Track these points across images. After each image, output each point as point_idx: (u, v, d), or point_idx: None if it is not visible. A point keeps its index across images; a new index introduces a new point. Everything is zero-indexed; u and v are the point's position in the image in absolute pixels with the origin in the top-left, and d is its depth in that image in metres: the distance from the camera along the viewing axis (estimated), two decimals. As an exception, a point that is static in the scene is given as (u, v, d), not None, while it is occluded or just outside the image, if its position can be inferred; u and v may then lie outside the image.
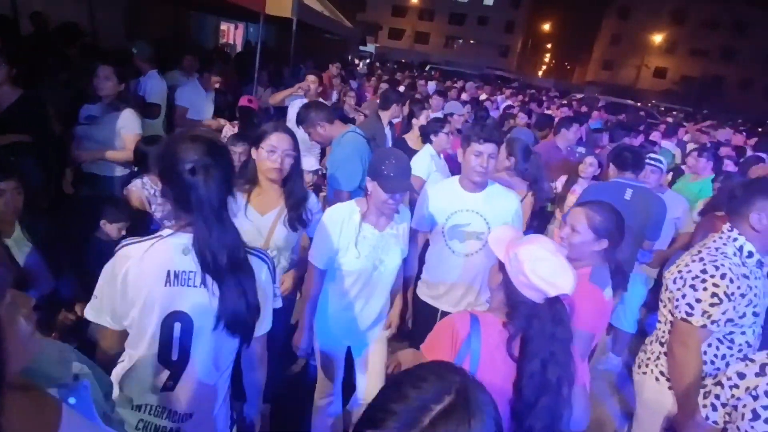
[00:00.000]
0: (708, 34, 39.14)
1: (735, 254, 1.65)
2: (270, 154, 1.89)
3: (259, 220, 1.95)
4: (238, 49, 12.18)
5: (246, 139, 2.78)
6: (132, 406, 1.22)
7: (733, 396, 1.21)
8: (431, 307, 2.29)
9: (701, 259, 1.66)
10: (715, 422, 1.29)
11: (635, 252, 2.81)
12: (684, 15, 39.43)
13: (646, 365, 1.90)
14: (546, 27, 48.72)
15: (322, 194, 3.26)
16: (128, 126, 2.94)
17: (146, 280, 1.13)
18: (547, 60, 56.47)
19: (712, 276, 1.59)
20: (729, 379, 1.23)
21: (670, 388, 1.76)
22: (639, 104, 19.45)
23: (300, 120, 2.77)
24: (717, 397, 1.26)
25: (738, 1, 37.21)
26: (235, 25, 14.66)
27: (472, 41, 43.28)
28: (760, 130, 15.87)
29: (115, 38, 6.40)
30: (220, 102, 5.54)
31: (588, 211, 1.75)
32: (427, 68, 21.34)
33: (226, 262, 1.11)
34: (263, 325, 1.29)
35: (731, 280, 1.58)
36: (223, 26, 14.27)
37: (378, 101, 4.25)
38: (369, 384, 2.07)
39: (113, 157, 2.93)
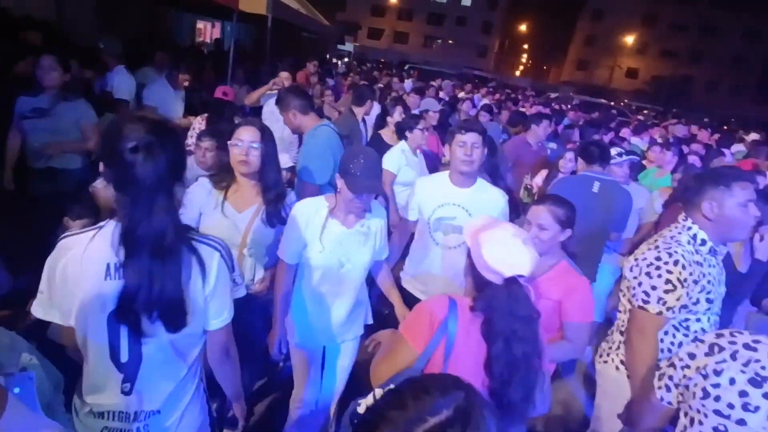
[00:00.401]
0: (677, 36, 40.46)
1: (689, 242, 1.70)
2: (235, 147, 1.88)
3: (236, 216, 1.93)
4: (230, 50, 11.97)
5: (214, 134, 2.75)
6: (93, 414, 1.16)
7: (685, 376, 1.24)
8: (416, 299, 2.28)
9: (656, 248, 1.70)
10: (669, 403, 1.33)
11: (603, 243, 2.88)
12: (654, 17, 40.64)
13: (608, 354, 1.93)
14: (522, 28, 49.52)
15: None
16: (87, 116, 2.87)
17: (86, 274, 1.07)
18: (524, 60, 57.37)
19: (666, 263, 1.64)
20: (681, 360, 1.27)
21: (629, 376, 1.79)
22: (612, 103, 19.96)
23: (278, 100, 2.75)
24: (670, 378, 1.30)
25: (705, 5, 38.56)
26: (212, 23, 14.48)
27: (450, 41, 43.64)
28: (725, 127, 16.56)
29: (86, 35, 6.23)
30: (193, 100, 5.46)
31: (549, 207, 1.86)
32: (406, 67, 21.42)
33: (148, 246, 1.04)
34: (223, 315, 1.23)
35: (684, 267, 1.62)
36: (200, 25, 14.07)
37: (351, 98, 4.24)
38: (338, 382, 2.10)
39: (77, 149, 2.86)
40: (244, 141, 1.87)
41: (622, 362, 1.85)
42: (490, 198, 2.27)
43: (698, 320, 1.72)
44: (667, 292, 1.63)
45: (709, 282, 1.70)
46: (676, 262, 1.63)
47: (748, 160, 7.05)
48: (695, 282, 1.66)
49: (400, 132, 3.53)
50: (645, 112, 20.08)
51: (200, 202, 1.91)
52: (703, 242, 1.70)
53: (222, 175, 1.97)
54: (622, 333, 1.87)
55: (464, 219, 2.21)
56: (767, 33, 38.07)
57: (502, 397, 1.22)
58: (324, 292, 1.91)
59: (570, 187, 2.84)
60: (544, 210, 1.85)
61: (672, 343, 1.75)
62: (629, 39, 39.66)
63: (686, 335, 1.74)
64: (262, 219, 1.94)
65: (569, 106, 11.75)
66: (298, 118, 2.68)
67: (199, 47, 11.52)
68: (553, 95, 17.73)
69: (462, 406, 0.65)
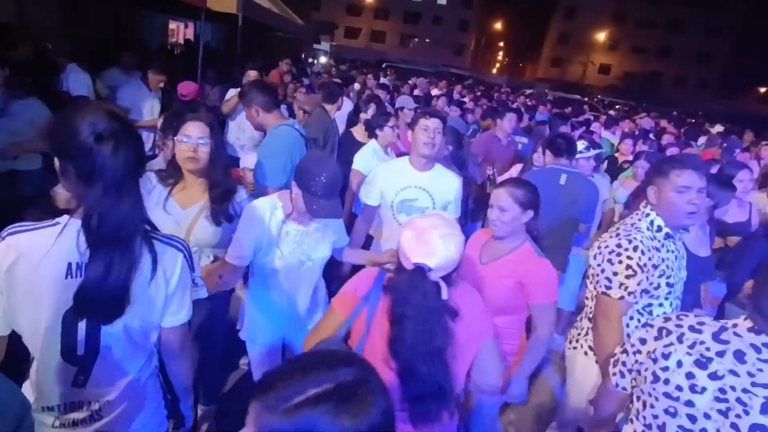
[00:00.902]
0: (646, 33, 41.63)
1: (648, 228, 1.77)
2: (183, 143, 1.83)
3: (179, 213, 1.86)
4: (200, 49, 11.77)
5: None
6: (44, 408, 1.15)
7: (637, 361, 1.28)
8: None
9: (617, 235, 1.76)
10: (624, 388, 1.37)
11: (571, 234, 2.96)
12: (624, 15, 41.68)
13: (576, 340, 1.99)
14: (498, 26, 50.06)
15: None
16: (41, 114, 2.81)
17: (42, 273, 1.04)
18: (500, 58, 58.00)
19: (626, 249, 1.70)
20: (632, 345, 1.30)
21: (597, 362, 1.84)
22: (585, 99, 20.39)
23: (241, 95, 2.69)
24: (624, 364, 1.34)
25: (671, 2, 39.76)
26: (185, 24, 14.21)
27: (427, 40, 43.84)
28: (693, 121, 17.18)
29: (49, 37, 6.04)
30: (166, 101, 5.37)
31: (508, 188, 1.91)
32: (383, 66, 21.44)
33: (114, 239, 1.03)
34: (181, 314, 1.24)
35: (642, 252, 1.68)
36: (173, 25, 13.79)
37: (320, 96, 4.23)
38: None
39: (39, 148, 2.79)
40: (192, 137, 1.82)
41: (590, 347, 1.91)
42: (447, 180, 2.46)
43: (660, 305, 1.79)
44: (628, 277, 1.68)
45: (668, 267, 1.76)
46: (635, 248, 1.69)
47: (708, 150, 7.34)
48: (654, 267, 1.71)
49: (370, 130, 3.53)
50: (617, 107, 20.57)
51: (144, 199, 1.86)
52: (659, 228, 1.76)
53: (170, 171, 1.90)
54: (590, 319, 1.93)
55: (426, 200, 2.39)
56: (729, 30, 39.53)
57: (406, 385, 1.22)
58: (283, 289, 1.91)
59: (538, 179, 2.87)
60: (504, 192, 1.90)
61: (637, 328, 1.79)
62: (601, 36, 40.63)
63: (649, 320, 1.80)
64: (206, 216, 1.88)
65: (545, 101, 11.96)
66: (260, 115, 2.61)
67: (171, 48, 11.30)
68: (528, 92, 18.01)
69: (346, 383, 0.64)
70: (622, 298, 1.71)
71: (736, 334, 1.11)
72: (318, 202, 1.66)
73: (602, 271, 1.75)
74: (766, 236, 2.65)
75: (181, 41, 13.60)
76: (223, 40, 12.33)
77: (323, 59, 21.59)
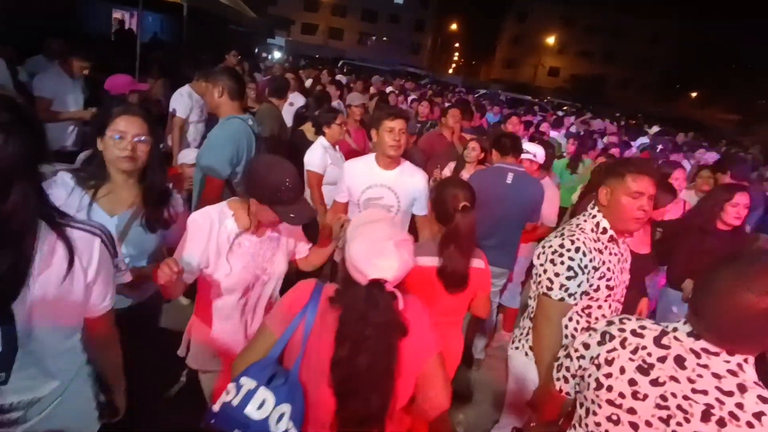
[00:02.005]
0: (592, 38, 43.82)
1: (592, 230, 1.75)
2: (118, 141, 1.61)
3: (107, 222, 1.64)
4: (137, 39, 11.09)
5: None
6: None
7: (580, 367, 1.24)
8: None
9: (562, 235, 1.74)
10: (567, 393, 1.34)
11: (518, 233, 2.95)
12: (572, 20, 43.64)
13: (519, 340, 1.97)
14: (453, 27, 50.94)
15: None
16: None
17: None
18: (456, 58, 59.09)
19: (569, 250, 1.67)
20: (576, 350, 1.27)
21: (537, 362, 1.81)
22: (536, 100, 21.09)
23: (212, 73, 2.59)
24: (567, 369, 1.30)
25: (615, 9, 42.05)
26: (131, 13, 13.43)
27: (384, 38, 43.91)
28: (633, 122, 18.19)
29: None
30: (100, 93, 4.96)
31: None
32: (340, 64, 21.22)
33: (8, 234, 0.95)
34: (105, 302, 1.19)
35: (584, 254, 1.66)
36: (117, 14, 12.96)
37: (267, 91, 4.04)
38: None
39: None
40: (129, 133, 1.62)
41: (530, 348, 1.88)
42: (414, 179, 2.48)
43: (599, 307, 1.77)
44: (569, 278, 1.66)
45: (608, 269, 1.74)
46: (577, 249, 1.66)
47: (648, 151, 7.73)
48: (595, 269, 1.70)
49: (318, 127, 3.40)
50: (565, 108, 21.42)
51: (58, 203, 1.63)
52: (605, 230, 1.75)
53: (90, 171, 1.68)
54: (531, 319, 1.90)
55: (391, 198, 2.42)
56: (667, 37, 42.32)
57: (345, 407, 1.15)
58: (235, 309, 1.73)
59: (484, 178, 2.88)
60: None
61: (575, 329, 1.79)
62: (550, 40, 42.26)
63: (588, 322, 1.78)
64: (141, 223, 1.70)
65: (498, 102, 12.24)
66: (223, 98, 2.51)
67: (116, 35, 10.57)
68: (481, 91, 18.40)
69: None
70: (562, 299, 1.69)
71: (676, 338, 1.09)
72: (292, 210, 1.56)
73: (545, 271, 1.72)
74: (696, 230, 2.77)
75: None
76: (171, 32, 11.70)
77: (278, 55, 21.03)
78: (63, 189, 1.63)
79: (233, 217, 1.65)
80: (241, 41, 12.89)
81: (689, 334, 1.07)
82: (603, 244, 1.74)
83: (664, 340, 1.09)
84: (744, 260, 0.99)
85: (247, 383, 1.17)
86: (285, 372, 1.21)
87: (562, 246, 1.69)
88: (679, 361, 1.06)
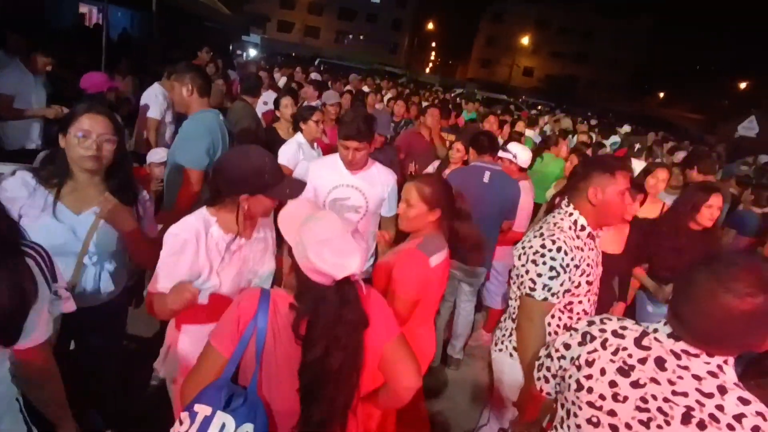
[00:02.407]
0: (564, 39, 44.77)
1: (570, 228, 1.75)
2: (82, 140, 1.56)
3: (73, 220, 1.61)
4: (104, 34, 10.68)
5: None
6: None
7: (561, 368, 1.23)
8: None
9: (541, 235, 1.73)
10: (548, 393, 1.33)
11: (496, 231, 2.95)
12: (545, 21, 44.48)
13: (502, 342, 1.95)
14: (430, 26, 51.19)
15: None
16: None
17: None
18: (433, 58, 59.41)
19: (550, 250, 1.66)
20: (557, 350, 1.25)
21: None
22: (512, 99, 21.39)
23: (177, 71, 2.50)
24: (548, 369, 1.29)
25: (585, 11, 43.08)
26: (98, 7, 12.96)
27: (361, 37, 43.76)
28: (606, 121, 18.68)
29: None
30: (64, 90, 4.75)
31: (417, 185, 1.84)
32: (316, 62, 21.01)
33: None
34: (35, 332, 1.06)
35: (566, 253, 1.66)
36: (84, 8, 12.48)
37: (240, 89, 3.93)
38: None
39: None
40: (95, 133, 1.57)
41: (515, 348, 1.87)
42: (382, 177, 2.42)
43: (580, 302, 1.79)
44: (551, 278, 1.66)
45: (588, 265, 1.76)
46: (559, 249, 1.66)
47: (623, 149, 7.93)
48: (576, 267, 1.70)
49: (295, 123, 3.34)
50: (539, 107, 21.78)
51: (20, 203, 1.54)
52: (583, 228, 1.75)
53: (52, 169, 1.61)
54: (513, 320, 1.89)
55: (358, 199, 2.36)
56: (636, 38, 43.60)
57: (307, 407, 1.13)
58: None
59: (462, 177, 2.86)
60: (412, 187, 1.85)
61: (558, 326, 1.80)
62: (525, 40, 42.93)
63: (570, 318, 1.80)
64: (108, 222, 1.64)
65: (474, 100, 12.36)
66: (193, 96, 2.45)
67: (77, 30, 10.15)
68: (458, 90, 18.54)
69: None
70: (545, 299, 1.68)
71: (656, 339, 1.08)
72: (283, 187, 1.54)
73: (527, 272, 1.71)
74: (672, 231, 2.81)
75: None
76: (142, 28, 11.33)
77: (253, 52, 20.66)
78: (24, 188, 1.57)
79: (218, 224, 1.56)
80: (215, 38, 12.60)
81: (669, 336, 1.06)
82: (582, 241, 1.75)
83: (645, 341, 1.08)
84: (722, 262, 0.98)
85: (202, 410, 1.10)
86: (242, 391, 1.14)
87: (543, 246, 1.68)
88: (660, 362, 1.05)
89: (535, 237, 1.75)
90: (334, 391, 1.13)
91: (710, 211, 2.75)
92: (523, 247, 1.78)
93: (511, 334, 1.91)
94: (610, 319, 1.18)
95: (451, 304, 3.21)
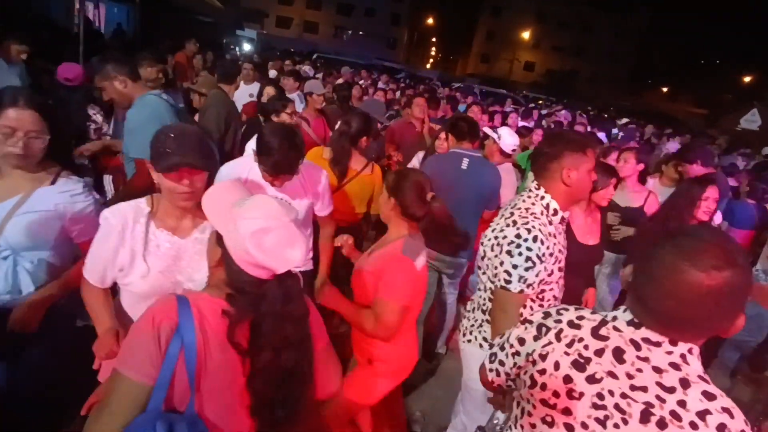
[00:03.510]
0: (563, 33, 44.41)
1: (542, 213, 1.65)
2: (6, 137, 1.44)
3: None
4: (103, 30, 10.61)
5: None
6: None
7: (515, 364, 1.11)
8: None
9: (514, 222, 1.62)
10: (500, 385, 1.22)
11: (476, 219, 2.83)
12: (544, 15, 44.10)
13: (470, 332, 1.86)
14: (429, 21, 50.85)
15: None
16: None
17: None
18: (433, 53, 59.05)
19: (525, 240, 1.56)
20: (511, 345, 1.14)
21: None
22: (511, 93, 21.20)
23: (96, 71, 2.38)
24: (501, 363, 1.17)
25: (584, 5, 42.69)
26: (95, 3, 12.85)
27: (360, 32, 43.49)
28: (605, 116, 18.53)
29: None
30: (42, 81, 4.65)
31: (390, 174, 1.82)
32: (314, 57, 20.86)
33: None
34: None
35: (542, 242, 1.56)
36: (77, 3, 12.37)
37: (216, 77, 3.81)
38: None
39: None
40: (21, 130, 1.46)
41: (485, 339, 1.79)
42: (306, 181, 2.12)
43: (551, 289, 1.71)
44: (527, 269, 1.56)
45: (560, 251, 1.68)
46: (534, 239, 1.56)
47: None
48: (551, 255, 1.61)
49: (266, 114, 3.21)
50: (540, 102, 21.63)
51: None
52: (555, 212, 1.66)
53: None
54: (483, 311, 1.80)
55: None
56: (635, 32, 43.27)
57: (265, 414, 1.03)
58: None
59: (438, 164, 2.75)
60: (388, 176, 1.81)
61: (531, 316, 1.71)
62: (525, 35, 42.62)
63: (542, 305, 1.71)
64: (24, 212, 1.51)
65: (472, 94, 12.23)
66: (128, 85, 2.32)
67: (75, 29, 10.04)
68: (456, 85, 18.36)
69: None
70: (521, 291, 1.58)
71: (615, 328, 0.96)
72: (168, 157, 1.31)
73: (501, 263, 1.60)
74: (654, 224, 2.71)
75: (96, 23, 12.21)
76: (135, 22, 11.21)
77: (247, 47, 20.48)
78: None
79: (151, 215, 1.43)
80: (206, 32, 12.48)
81: (630, 323, 0.94)
82: (554, 226, 1.66)
83: (603, 331, 0.96)
84: (686, 236, 0.86)
85: None
86: (181, 417, 0.96)
87: (518, 236, 1.58)
88: (618, 354, 0.93)
89: (508, 225, 1.63)
90: (296, 390, 1.04)
91: (706, 204, 2.65)
92: (496, 237, 1.66)
93: (481, 325, 1.81)
94: (567, 309, 1.06)
95: (431, 297, 3.10)
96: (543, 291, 1.70)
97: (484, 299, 1.79)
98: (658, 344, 0.90)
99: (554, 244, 1.64)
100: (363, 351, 1.80)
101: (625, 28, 43.14)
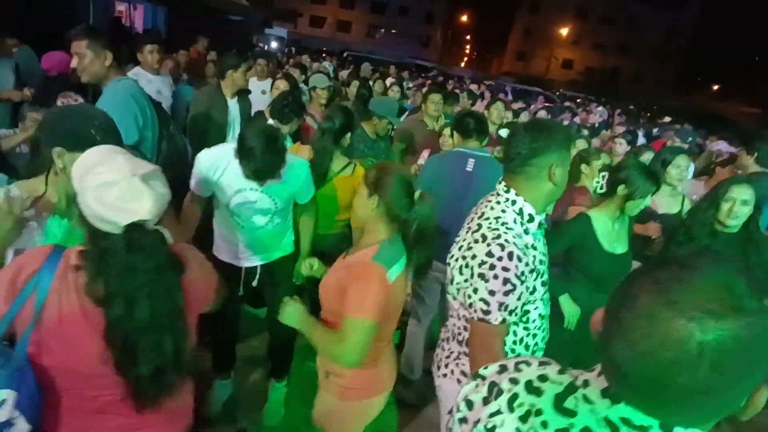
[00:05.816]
0: (606, 30, 42.57)
1: (516, 221, 1.37)
2: None
3: None
4: (140, 31, 10.89)
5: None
6: None
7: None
8: (233, 267, 2.16)
9: (483, 237, 1.33)
10: None
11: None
12: (585, 11, 42.45)
13: (446, 366, 1.57)
14: (464, 19, 50.02)
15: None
16: None
17: None
18: (467, 51, 58.07)
19: (500, 258, 1.27)
20: (458, 410, 0.85)
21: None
22: (547, 92, 20.45)
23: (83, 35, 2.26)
24: (450, 430, 0.87)
25: (630, 0, 40.78)
26: (134, 5, 13.28)
27: (393, 31, 43.31)
28: (649, 115, 17.63)
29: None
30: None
31: (368, 170, 1.61)
32: (344, 55, 20.90)
33: None
34: None
35: (519, 258, 1.28)
36: (121, 6, 12.81)
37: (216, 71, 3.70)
38: None
39: None
40: None
41: (463, 373, 1.51)
42: (290, 175, 2.05)
43: (536, 307, 1.45)
44: (507, 294, 1.28)
45: (540, 263, 1.41)
46: (510, 255, 1.27)
47: (659, 140, 7.27)
48: (531, 271, 1.33)
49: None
50: (578, 100, 20.80)
51: None
52: (531, 217, 1.39)
53: None
54: (459, 342, 1.52)
55: (265, 201, 2.04)
56: (684, 29, 40.91)
57: (128, 370, 1.05)
58: None
59: (441, 165, 2.49)
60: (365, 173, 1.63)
61: (514, 342, 1.46)
62: (564, 31, 41.14)
63: (526, 328, 1.46)
64: None
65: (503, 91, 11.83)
66: (111, 66, 2.23)
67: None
68: (487, 83, 17.87)
69: None
70: (503, 321, 1.30)
71: (586, 399, 0.68)
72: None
73: (475, 291, 1.31)
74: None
75: (129, 24, 12.62)
76: (162, 22, 11.46)
77: (275, 45, 20.67)
78: None
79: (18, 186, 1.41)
80: (240, 32, 12.63)
81: (605, 393, 0.66)
82: (531, 235, 1.39)
83: (569, 402, 0.68)
84: (669, 266, 0.58)
85: None
86: (7, 353, 1.02)
87: (490, 255, 1.29)
88: None
89: (476, 241, 1.34)
90: (157, 340, 1.06)
91: (727, 206, 2.21)
92: (463, 256, 1.37)
93: (458, 357, 1.53)
94: (528, 364, 0.79)
95: (434, 309, 2.85)
96: (527, 312, 1.43)
97: (459, 328, 1.51)
98: (643, 429, 0.61)
99: (533, 257, 1.36)
100: (322, 361, 1.63)
101: (674, 25, 40.88)
